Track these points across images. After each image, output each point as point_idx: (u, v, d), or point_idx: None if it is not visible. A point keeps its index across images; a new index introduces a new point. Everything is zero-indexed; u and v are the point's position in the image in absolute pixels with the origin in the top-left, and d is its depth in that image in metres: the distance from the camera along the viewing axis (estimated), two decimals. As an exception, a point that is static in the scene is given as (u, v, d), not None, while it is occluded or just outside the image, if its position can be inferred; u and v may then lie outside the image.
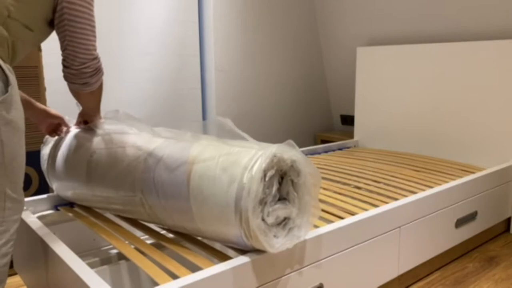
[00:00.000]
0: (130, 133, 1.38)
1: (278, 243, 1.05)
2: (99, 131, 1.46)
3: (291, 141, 1.10)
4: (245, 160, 1.04)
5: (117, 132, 1.42)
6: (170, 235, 1.31)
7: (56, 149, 1.51)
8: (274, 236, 1.06)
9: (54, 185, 1.53)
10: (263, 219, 1.02)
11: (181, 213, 1.13)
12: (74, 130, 1.53)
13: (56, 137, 1.55)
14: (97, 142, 1.39)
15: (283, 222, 1.09)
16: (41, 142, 1.67)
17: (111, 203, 1.35)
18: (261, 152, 1.04)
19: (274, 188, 1.04)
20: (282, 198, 1.08)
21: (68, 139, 1.50)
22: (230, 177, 1.03)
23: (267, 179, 1.02)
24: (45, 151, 1.58)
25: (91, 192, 1.38)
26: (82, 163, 1.38)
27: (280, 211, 1.06)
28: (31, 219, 1.37)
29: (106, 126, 1.49)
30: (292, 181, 1.08)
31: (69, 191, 1.48)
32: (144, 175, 1.21)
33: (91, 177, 1.36)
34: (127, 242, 1.25)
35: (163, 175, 1.16)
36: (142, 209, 1.26)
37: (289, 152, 1.07)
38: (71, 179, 1.43)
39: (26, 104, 1.50)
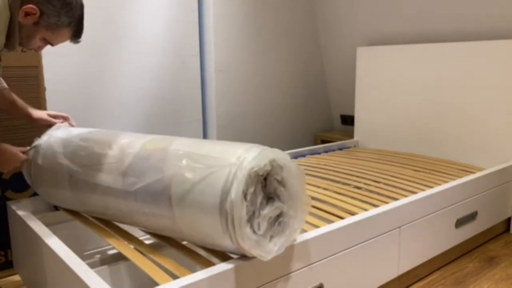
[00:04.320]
0: (98, 144, 1.34)
1: (276, 246, 1.05)
2: (67, 143, 1.41)
3: (266, 147, 1.08)
4: (221, 184, 1.00)
5: (84, 145, 1.38)
6: (170, 235, 1.31)
7: (35, 165, 1.46)
8: (270, 237, 1.05)
9: (44, 197, 1.51)
10: (254, 232, 1.02)
11: (173, 231, 1.14)
12: (44, 139, 1.48)
13: (32, 153, 1.49)
14: (70, 160, 1.36)
15: (277, 220, 1.08)
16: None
17: (104, 215, 1.35)
18: (234, 169, 1.00)
19: (259, 198, 1.03)
20: (270, 197, 1.07)
21: (44, 153, 1.44)
22: (212, 205, 1.01)
23: (248, 197, 1.00)
24: (24, 169, 1.51)
25: (80, 203, 1.37)
26: (64, 183, 1.36)
27: (271, 212, 1.05)
28: (31, 219, 1.37)
29: (71, 132, 1.47)
30: (277, 179, 1.06)
31: (60, 204, 1.47)
32: (126, 197, 1.20)
33: (75, 194, 1.35)
34: (126, 242, 1.25)
35: (145, 200, 1.15)
36: (133, 222, 1.26)
37: (266, 156, 1.04)
38: (57, 195, 1.42)
39: (12, 108, 1.54)
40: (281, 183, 1.07)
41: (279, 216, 1.08)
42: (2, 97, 1.53)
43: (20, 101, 1.56)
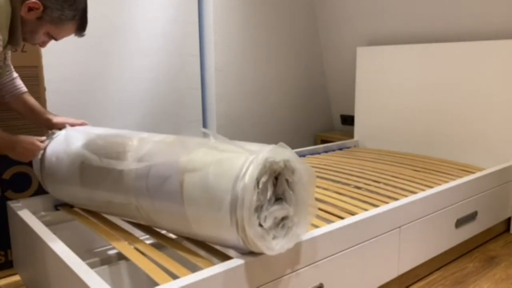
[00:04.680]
0: (117, 137, 1.37)
1: (277, 245, 1.05)
2: (86, 133, 1.44)
3: (282, 143, 1.09)
4: (237, 168, 1.02)
5: (106, 134, 1.41)
6: (170, 235, 1.31)
7: (47, 154, 1.47)
8: (273, 237, 1.06)
9: (49, 188, 1.52)
10: (260, 225, 1.02)
11: (178, 219, 1.13)
12: (62, 132, 1.52)
13: (47, 142, 1.52)
14: (86, 146, 1.37)
15: (281, 223, 1.08)
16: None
17: (108, 208, 1.34)
18: (251, 157, 1.02)
19: (269, 192, 1.04)
20: (278, 198, 1.08)
21: (58, 143, 1.47)
22: (223, 187, 1.02)
23: (260, 186, 1.01)
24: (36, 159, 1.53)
25: (87, 197, 1.37)
26: (75, 170, 1.37)
27: (277, 212, 1.06)
28: (31, 219, 1.37)
29: (90, 129, 1.49)
30: (287, 180, 1.07)
31: (65, 197, 1.47)
32: (136, 183, 1.20)
33: (85, 184, 1.35)
34: (127, 242, 1.25)
35: (156, 184, 1.15)
36: (138, 214, 1.25)
37: (282, 153, 1.06)
38: (65, 185, 1.42)
39: (30, 113, 1.54)
40: (291, 186, 1.08)
41: (283, 219, 1.09)
42: (22, 102, 1.54)
43: (39, 106, 1.57)
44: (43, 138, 1.48)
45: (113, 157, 1.28)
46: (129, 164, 1.23)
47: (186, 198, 1.08)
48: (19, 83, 1.54)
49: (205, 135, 1.28)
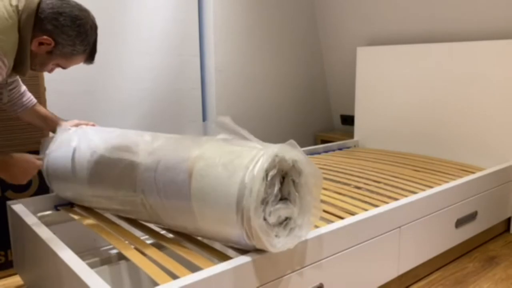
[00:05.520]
0: (128, 133, 1.38)
1: (279, 243, 1.05)
2: (97, 130, 1.46)
3: (293, 141, 1.10)
4: (247, 159, 1.03)
5: (117, 131, 1.42)
6: (170, 235, 1.31)
7: (55, 149, 1.50)
8: (276, 235, 1.06)
9: (53, 185, 1.53)
10: (264, 219, 1.03)
11: (183, 212, 1.13)
12: (72, 129, 1.54)
13: (54, 137, 1.55)
14: (96, 141, 1.39)
15: (285, 222, 1.09)
16: (39, 142, 1.67)
17: (112, 203, 1.35)
18: (262, 151, 1.04)
19: (276, 188, 1.04)
20: (283, 198, 1.08)
21: (67, 138, 1.49)
22: (232, 177, 1.03)
23: (268, 178, 1.02)
24: (44, 151, 1.57)
25: (91, 192, 1.38)
26: (82, 163, 1.38)
27: (282, 211, 1.06)
28: (31, 219, 1.37)
29: (100, 128, 1.51)
30: (294, 181, 1.08)
31: (69, 191, 1.48)
32: (145, 174, 1.20)
33: (91, 176, 1.36)
34: (127, 242, 1.25)
35: (165, 175, 1.16)
36: (142, 209, 1.26)
37: (291, 152, 1.07)
38: (71, 179, 1.42)
39: (43, 122, 1.57)
40: (296, 188, 1.08)
41: (286, 219, 1.09)
42: (34, 113, 1.55)
43: (50, 114, 1.58)
44: (40, 156, 1.48)
45: (124, 149, 1.29)
46: (140, 156, 1.24)
47: (194, 187, 1.08)
48: (29, 96, 1.55)
49: (218, 124, 1.26)
